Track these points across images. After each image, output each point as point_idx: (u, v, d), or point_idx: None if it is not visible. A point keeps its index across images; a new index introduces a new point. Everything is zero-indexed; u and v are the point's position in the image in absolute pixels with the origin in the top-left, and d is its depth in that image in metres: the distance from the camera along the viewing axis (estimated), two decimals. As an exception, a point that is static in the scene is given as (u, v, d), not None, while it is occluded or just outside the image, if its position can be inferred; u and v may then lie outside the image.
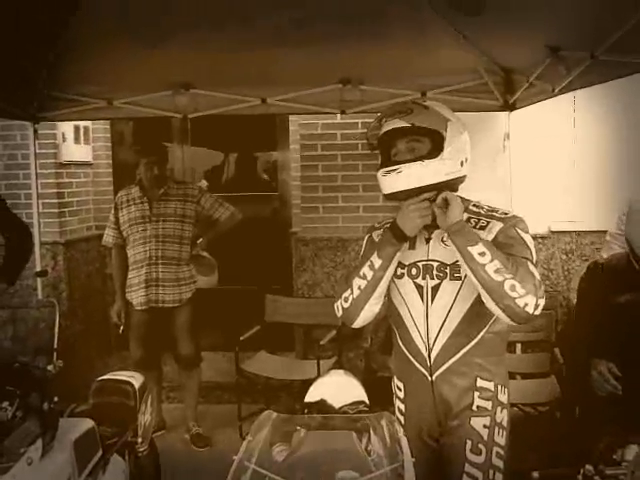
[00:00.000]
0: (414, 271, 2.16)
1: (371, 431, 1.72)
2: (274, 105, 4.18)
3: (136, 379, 2.92)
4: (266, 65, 3.65)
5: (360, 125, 4.83)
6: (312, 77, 4.00)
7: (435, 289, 2.14)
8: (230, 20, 3.08)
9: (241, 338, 4.45)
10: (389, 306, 2.27)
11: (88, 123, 5.38)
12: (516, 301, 1.91)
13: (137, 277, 4.16)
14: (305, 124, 5.01)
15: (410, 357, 2.20)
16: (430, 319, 2.15)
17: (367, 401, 2.29)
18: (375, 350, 4.59)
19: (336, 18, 3.09)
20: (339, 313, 2.23)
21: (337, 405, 2.19)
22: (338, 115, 4.45)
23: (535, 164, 4.83)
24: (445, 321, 2.13)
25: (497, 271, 1.91)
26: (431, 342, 2.15)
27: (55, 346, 4.10)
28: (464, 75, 3.95)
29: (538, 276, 1.97)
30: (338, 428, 1.85)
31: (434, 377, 2.16)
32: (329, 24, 3.15)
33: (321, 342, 4.42)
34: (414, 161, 2.05)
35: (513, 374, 4.08)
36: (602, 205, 4.72)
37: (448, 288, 2.11)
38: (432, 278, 2.14)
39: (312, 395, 2.29)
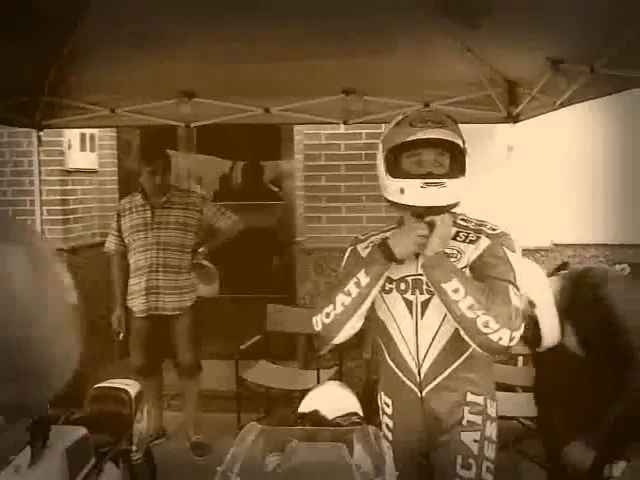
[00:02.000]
0: (403, 286, 2.13)
1: (358, 444, 1.72)
2: (277, 115, 4.19)
3: (132, 387, 2.91)
4: (269, 75, 3.66)
5: (364, 135, 4.84)
6: (315, 87, 4.00)
7: (425, 304, 2.10)
8: (235, 32, 3.10)
9: (242, 347, 4.46)
10: (375, 321, 2.23)
11: (94, 131, 5.41)
12: (489, 336, 1.90)
13: (138, 284, 4.17)
14: (309, 134, 5.02)
15: (399, 373, 2.17)
16: (420, 335, 2.11)
17: (361, 413, 2.29)
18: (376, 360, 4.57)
19: (340, 32, 3.10)
20: (318, 327, 2.14)
21: (330, 416, 2.18)
22: (342, 125, 4.45)
23: (538, 176, 4.81)
24: (435, 336, 2.10)
25: (470, 307, 1.91)
26: (421, 358, 2.12)
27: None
28: (468, 87, 3.95)
29: (518, 303, 1.96)
30: (328, 440, 1.85)
31: (424, 393, 2.13)
32: (333, 38, 3.16)
33: (321, 352, 4.41)
34: (448, 177, 2.02)
35: (514, 387, 4.06)
36: (604, 218, 4.70)
37: (439, 303, 2.05)
38: (422, 293, 2.11)
39: (306, 406, 2.29)
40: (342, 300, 2.08)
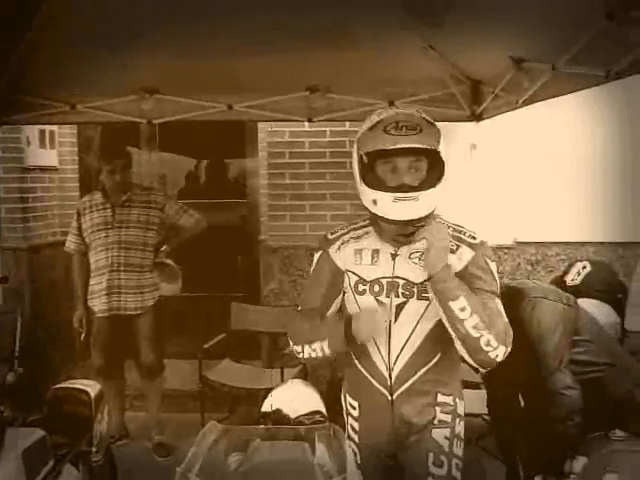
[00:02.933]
0: (377, 288, 2.08)
1: (321, 443, 1.70)
2: (240, 112, 4.16)
3: (92, 387, 2.87)
4: (233, 72, 3.63)
5: (328, 133, 4.84)
6: (279, 84, 3.98)
7: (399, 307, 2.06)
8: (197, 27, 3.06)
9: (205, 346, 4.41)
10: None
11: (54, 127, 5.30)
12: (489, 354, 1.92)
13: (99, 284, 4.10)
14: (272, 132, 4.99)
15: (368, 376, 2.13)
16: (393, 338, 2.07)
17: (324, 411, 2.27)
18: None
19: (304, 29, 3.08)
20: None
21: (293, 415, 2.17)
22: (306, 123, 4.44)
23: (501, 174, 4.86)
24: (408, 340, 2.06)
25: (475, 327, 1.90)
26: (392, 361, 2.08)
27: (16, 354, 4.03)
28: (432, 85, 3.97)
29: (505, 317, 1.98)
30: (291, 439, 1.83)
31: (394, 396, 2.10)
32: (297, 34, 3.14)
33: (286, 351, 4.39)
34: (423, 187, 1.95)
35: (478, 384, 4.08)
36: (566, 216, 4.77)
37: (414, 307, 2.04)
38: (397, 296, 2.06)
39: (269, 405, 2.27)
40: (309, 351, 2.13)
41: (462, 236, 2.06)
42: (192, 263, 4.79)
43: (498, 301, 1.99)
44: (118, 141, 4.93)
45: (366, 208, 2.06)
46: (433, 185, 1.96)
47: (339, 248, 2.17)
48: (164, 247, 4.22)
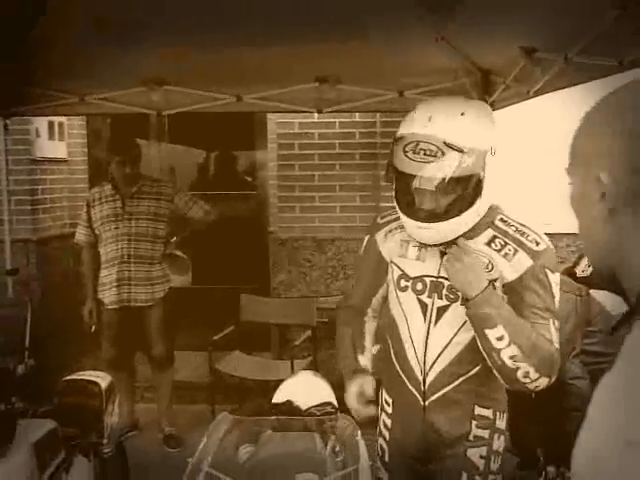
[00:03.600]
0: (419, 286, 1.93)
1: (332, 434, 1.70)
2: (249, 103, 4.15)
3: (103, 379, 2.87)
4: (242, 63, 3.61)
5: (338, 125, 4.82)
6: (289, 75, 3.96)
7: (442, 310, 1.90)
8: (206, 19, 3.05)
9: (215, 338, 4.42)
10: (386, 315, 2.08)
11: (63, 119, 5.30)
12: (526, 385, 1.78)
13: (109, 276, 4.11)
14: (282, 123, 4.98)
15: (402, 376, 2.00)
16: (430, 342, 1.92)
17: (335, 402, 2.27)
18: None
19: (313, 19, 3.06)
20: None
21: (304, 406, 2.17)
22: (315, 114, 4.42)
23: (510, 165, 4.81)
24: (447, 346, 1.91)
25: (512, 357, 1.74)
26: (427, 367, 1.93)
27: (27, 345, 4.05)
28: (442, 76, 3.94)
29: (557, 342, 1.82)
30: (302, 430, 1.83)
31: (427, 403, 1.95)
32: (306, 25, 3.12)
33: (296, 342, 4.40)
34: (445, 216, 1.78)
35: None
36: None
37: (457, 312, 1.86)
38: (440, 298, 1.90)
39: (279, 396, 2.27)
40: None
41: (524, 239, 1.85)
42: (202, 255, 4.78)
43: (552, 323, 1.81)
44: (127, 133, 4.93)
45: None
46: (459, 212, 1.78)
47: (386, 235, 2.03)
48: (174, 239, 4.22)
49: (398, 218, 1.95)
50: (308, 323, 4.46)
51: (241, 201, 5.76)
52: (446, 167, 1.72)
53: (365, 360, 2.06)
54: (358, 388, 1.93)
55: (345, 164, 4.89)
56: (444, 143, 1.73)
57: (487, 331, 1.74)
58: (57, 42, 3.35)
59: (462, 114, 1.79)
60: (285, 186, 5.07)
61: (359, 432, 1.69)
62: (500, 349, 1.74)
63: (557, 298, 1.85)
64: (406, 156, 1.77)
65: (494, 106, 4.06)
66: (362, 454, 1.61)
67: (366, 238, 2.10)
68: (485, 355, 1.79)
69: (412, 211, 1.83)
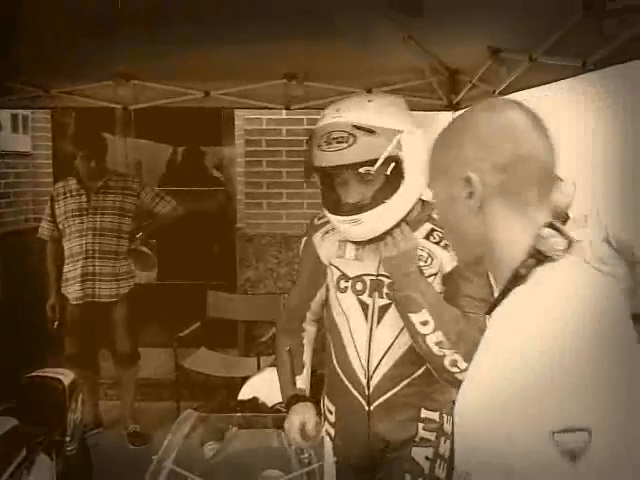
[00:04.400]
0: (359, 286, 1.87)
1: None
2: (217, 99, 4.11)
3: (66, 376, 2.84)
4: (210, 59, 3.58)
5: (305, 121, 4.82)
6: (257, 72, 3.94)
7: (383, 310, 1.85)
8: (175, 13, 3.02)
9: (181, 334, 4.39)
10: (327, 316, 2.01)
11: (27, 112, 5.22)
12: (456, 376, 1.71)
13: (73, 271, 4.06)
14: (250, 119, 4.97)
15: (346, 381, 1.92)
16: (373, 344, 1.86)
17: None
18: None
19: (282, 16, 3.05)
20: None
21: (270, 403, 2.17)
22: (283, 111, 4.41)
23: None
24: (391, 347, 1.85)
25: (438, 344, 1.71)
26: (371, 369, 1.87)
27: (-13, 341, 3.99)
28: (410, 74, 3.96)
29: None
30: (267, 427, 1.83)
31: (372, 407, 1.88)
32: (275, 21, 3.11)
33: (262, 339, 4.39)
34: (368, 207, 1.73)
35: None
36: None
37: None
38: (381, 296, 1.84)
39: (245, 393, 2.27)
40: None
41: None
42: (168, 251, 4.75)
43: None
44: (93, 127, 4.87)
45: None
46: (384, 199, 1.73)
47: (323, 237, 1.97)
48: (139, 234, 4.18)
49: None
50: (275, 320, 4.45)
51: (208, 197, 5.73)
52: (360, 150, 1.68)
53: (303, 381, 1.99)
54: (300, 420, 1.85)
55: (313, 161, 4.89)
56: (353, 126, 1.71)
57: (411, 315, 1.72)
58: (21, 34, 3.29)
59: (369, 101, 1.80)
60: (252, 182, 5.06)
61: (324, 429, 1.69)
62: (425, 334, 1.71)
63: (494, 287, 1.84)
64: (320, 150, 1.73)
65: (460, 105, 4.10)
66: (327, 451, 1.61)
67: (303, 240, 2.05)
68: (412, 341, 1.76)
69: (339, 207, 1.80)
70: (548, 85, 3.03)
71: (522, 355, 0.93)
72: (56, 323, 4.22)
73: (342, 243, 1.92)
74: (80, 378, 3.14)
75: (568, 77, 2.76)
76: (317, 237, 1.98)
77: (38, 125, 5.46)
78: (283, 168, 4.98)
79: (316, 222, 2.01)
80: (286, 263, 5.02)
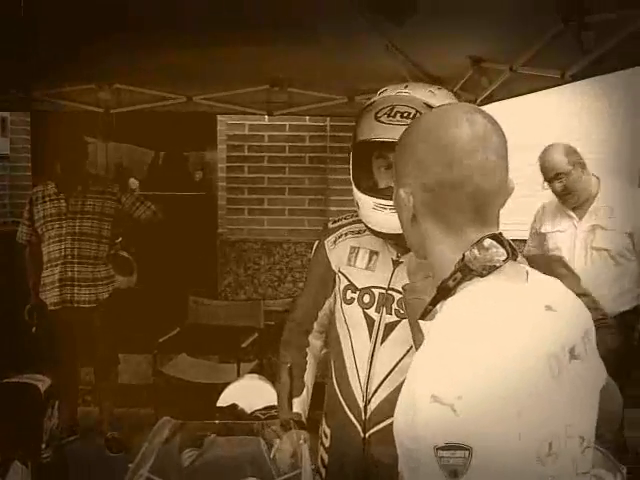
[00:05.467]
0: (367, 298, 1.73)
1: (276, 438, 1.70)
2: (200, 104, 4.12)
3: (43, 382, 2.81)
4: (193, 63, 3.58)
5: (288, 127, 4.83)
6: (240, 77, 3.95)
7: (390, 327, 1.70)
8: (158, 19, 3.01)
9: (160, 340, 4.37)
10: (331, 332, 1.88)
11: (6, 114, 5.18)
12: None
13: (51, 276, 4.01)
14: (232, 124, 4.97)
15: (343, 403, 1.79)
16: (375, 364, 1.72)
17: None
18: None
19: (266, 22, 3.06)
20: None
21: (249, 410, 2.16)
22: (265, 117, 4.42)
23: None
24: (393, 370, 1.70)
25: None
26: (370, 392, 1.73)
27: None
28: (392, 82, 3.96)
29: None
30: (246, 434, 1.82)
31: (368, 435, 1.74)
32: (258, 27, 3.12)
33: (242, 345, 4.38)
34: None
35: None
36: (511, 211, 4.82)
37: (407, 330, 1.55)
38: (389, 312, 1.70)
39: (224, 400, 2.26)
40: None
41: None
42: (148, 256, 4.71)
43: None
44: (73, 130, 4.84)
45: None
46: None
47: (335, 242, 1.83)
48: (119, 239, 4.15)
49: (351, 222, 1.82)
50: (255, 326, 4.45)
51: (189, 202, 5.72)
52: None
53: (300, 404, 1.84)
54: (290, 450, 1.69)
55: (294, 167, 4.90)
56: (424, 104, 1.60)
57: (421, 322, 1.46)
58: (1, 37, 3.27)
59: (431, 92, 1.72)
60: (234, 188, 5.05)
61: (302, 436, 1.69)
62: None
63: None
64: (378, 121, 1.59)
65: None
66: (305, 458, 1.61)
67: (315, 244, 1.91)
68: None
69: (375, 189, 1.65)
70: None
71: (445, 367, 0.93)
72: (34, 328, 4.17)
73: (354, 249, 1.79)
74: (57, 384, 3.10)
75: (548, 87, 2.79)
76: (329, 241, 1.84)
77: (17, 127, 5.41)
78: (265, 174, 4.98)
79: (330, 225, 1.88)
80: (267, 269, 5.02)
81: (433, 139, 1.07)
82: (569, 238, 3.43)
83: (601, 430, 1.15)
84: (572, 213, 3.46)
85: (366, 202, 1.64)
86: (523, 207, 4.82)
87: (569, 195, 3.43)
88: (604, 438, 1.63)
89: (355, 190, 1.68)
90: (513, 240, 1.10)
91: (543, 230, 3.61)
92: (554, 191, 3.46)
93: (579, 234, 3.42)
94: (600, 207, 3.38)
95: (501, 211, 1.11)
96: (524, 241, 3.73)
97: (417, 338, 1.51)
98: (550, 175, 3.43)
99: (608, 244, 3.33)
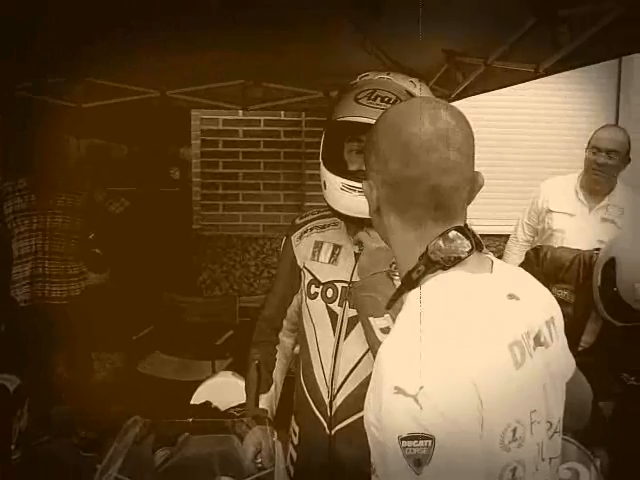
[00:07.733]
0: (330, 293, 1.73)
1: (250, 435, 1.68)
2: (173, 98, 4.07)
3: (12, 382, 2.75)
4: (167, 58, 3.53)
5: (263, 122, 4.80)
6: (214, 72, 3.91)
7: (353, 321, 1.68)
8: (132, 14, 2.96)
9: (134, 337, 4.32)
10: (300, 327, 1.87)
11: (-25, 109, 5.07)
12: None
13: (22, 272, 3.96)
14: (206, 119, 4.93)
15: (309, 400, 1.78)
16: (339, 359, 1.71)
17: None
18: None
19: (241, 16, 3.02)
20: None
21: (223, 407, 2.14)
22: (240, 111, 4.38)
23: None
24: (358, 365, 1.69)
25: None
26: (335, 388, 1.72)
27: None
28: (367, 76, 3.96)
29: None
30: (220, 432, 1.80)
31: (334, 431, 1.73)
32: (233, 22, 3.08)
33: (217, 342, 4.35)
34: None
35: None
36: (498, 208, 4.85)
37: None
38: (352, 307, 1.67)
39: (198, 397, 2.23)
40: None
41: None
42: (121, 252, 4.65)
43: None
44: (44, 125, 4.76)
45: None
46: None
47: (301, 237, 1.84)
48: (91, 235, 4.10)
49: (317, 217, 1.84)
50: (230, 322, 4.42)
51: (164, 198, 5.65)
52: None
53: (267, 400, 1.84)
54: (254, 446, 1.68)
55: (270, 162, 4.87)
56: (407, 92, 1.64)
57: (371, 319, 1.51)
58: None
59: (412, 82, 1.76)
60: (209, 183, 5.02)
61: (276, 434, 1.67)
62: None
63: None
64: (358, 103, 1.61)
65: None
66: (278, 456, 1.59)
67: (283, 240, 1.92)
68: (370, 348, 1.56)
69: (345, 170, 1.65)
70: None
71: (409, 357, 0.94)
72: (3, 326, 4.10)
73: (318, 244, 1.80)
74: (28, 383, 3.05)
75: (522, 82, 2.80)
76: (295, 237, 1.85)
77: (-13, 123, 5.31)
78: (239, 169, 4.95)
79: (297, 221, 1.88)
80: (242, 265, 4.99)
81: (394, 135, 1.08)
82: (576, 223, 3.34)
83: (572, 422, 1.15)
84: (585, 200, 3.39)
85: (334, 181, 1.64)
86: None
87: (603, 175, 3.31)
88: (576, 430, 1.64)
89: (323, 169, 1.69)
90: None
91: (550, 207, 3.47)
92: (594, 162, 3.31)
93: (589, 223, 3.33)
94: (610, 205, 3.34)
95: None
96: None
97: (369, 335, 1.53)
98: (605, 146, 3.28)
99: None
